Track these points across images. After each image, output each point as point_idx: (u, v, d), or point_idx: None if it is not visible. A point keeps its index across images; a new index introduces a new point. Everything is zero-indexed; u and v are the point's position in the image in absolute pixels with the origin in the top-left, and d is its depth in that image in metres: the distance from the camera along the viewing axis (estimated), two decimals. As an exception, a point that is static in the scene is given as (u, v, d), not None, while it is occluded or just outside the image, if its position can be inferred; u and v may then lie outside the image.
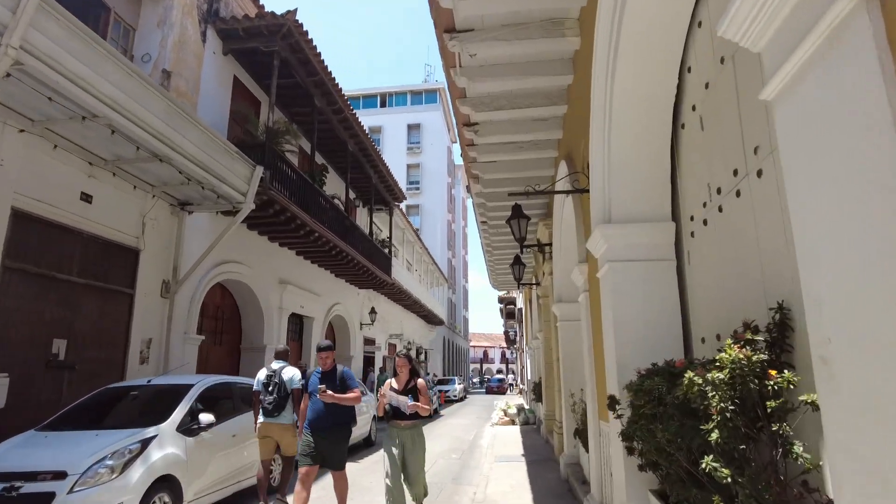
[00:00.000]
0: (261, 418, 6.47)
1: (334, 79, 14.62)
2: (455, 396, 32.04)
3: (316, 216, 14.16)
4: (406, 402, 5.44)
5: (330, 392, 5.62)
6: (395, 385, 5.75)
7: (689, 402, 2.38)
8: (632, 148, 4.23)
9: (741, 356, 2.21)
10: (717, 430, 2.21)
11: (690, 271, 4.00)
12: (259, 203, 11.43)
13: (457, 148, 60.29)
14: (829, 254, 1.39)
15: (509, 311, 41.59)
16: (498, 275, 16.77)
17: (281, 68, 12.84)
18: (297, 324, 16.91)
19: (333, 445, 5.79)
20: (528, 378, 20.41)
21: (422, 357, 35.44)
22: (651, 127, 4.17)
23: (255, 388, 6.70)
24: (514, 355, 44.50)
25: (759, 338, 2.39)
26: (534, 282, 13.58)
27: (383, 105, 50.66)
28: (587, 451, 6.52)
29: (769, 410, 2.18)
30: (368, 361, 23.01)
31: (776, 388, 2.20)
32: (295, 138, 13.71)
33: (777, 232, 2.64)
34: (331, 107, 15.38)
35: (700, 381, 2.24)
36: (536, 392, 14.60)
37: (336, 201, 16.95)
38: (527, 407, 18.59)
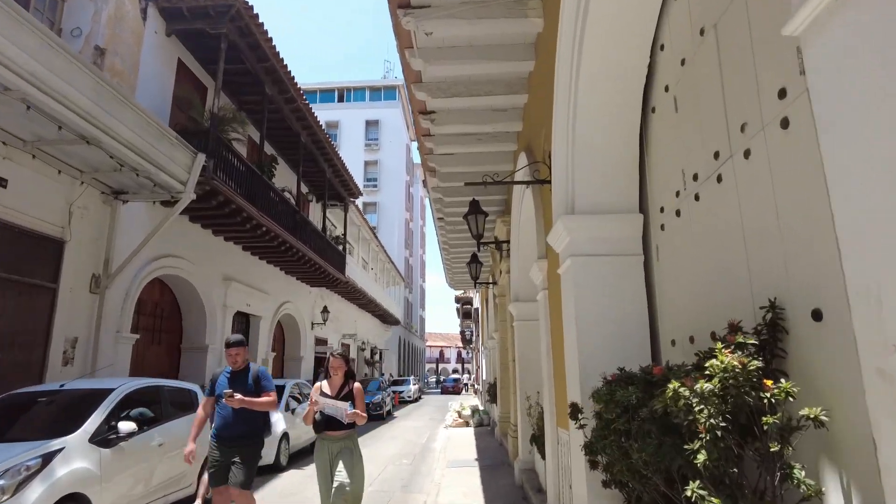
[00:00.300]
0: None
1: (286, 66, 13.97)
2: (409, 397, 31.56)
3: (264, 209, 13.49)
4: (345, 410, 4.66)
5: (239, 396, 4.84)
6: (326, 389, 4.95)
7: (669, 416, 2.02)
8: (599, 133, 3.88)
9: (735, 363, 1.85)
10: (704, 451, 1.85)
11: (659, 267, 3.67)
12: (201, 193, 10.73)
13: (416, 146, 59.91)
14: (891, 231, 1.03)
15: (466, 311, 41.35)
16: (455, 273, 16.42)
17: (229, 52, 12.15)
18: (244, 323, 16.14)
19: (241, 459, 4.91)
20: (484, 379, 20.12)
21: (376, 357, 34.81)
22: (620, 110, 3.83)
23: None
24: (470, 355, 44.33)
25: (752, 341, 2.05)
26: (490, 281, 13.27)
27: (341, 100, 49.71)
28: (543, 458, 6.19)
29: (765, 427, 1.83)
30: (320, 362, 22.31)
31: (773, 400, 1.86)
32: (242, 126, 13.01)
33: (768, 220, 2.31)
34: (282, 95, 14.70)
35: (688, 393, 1.87)
36: (491, 393, 14.30)
37: (287, 195, 16.28)
38: (481, 408, 18.29)
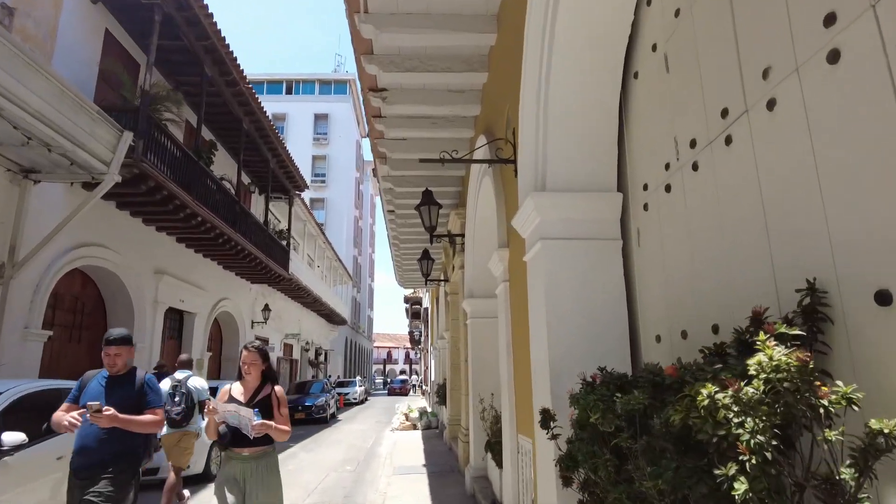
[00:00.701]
0: (165, 429, 6.20)
1: (228, 45, 13.08)
2: (355, 399, 30.72)
3: (200, 198, 12.56)
4: (250, 419, 3.45)
5: (111, 411, 3.50)
6: (238, 393, 3.80)
7: (691, 430, 1.53)
8: (574, 101, 3.40)
9: (789, 360, 1.37)
10: (744, 479, 1.36)
11: (640, 253, 3.19)
12: (129, 177, 9.81)
13: (367, 143, 58.48)
14: None
15: (415, 312, 40.75)
16: (405, 271, 15.84)
17: (164, 26, 11.21)
18: (177, 320, 15.08)
19: (106, 491, 3.54)
20: (433, 380, 19.59)
21: (321, 358, 33.79)
22: (599, 76, 3.35)
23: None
24: (419, 356, 43.76)
25: (795, 331, 1.57)
26: (442, 278, 12.75)
27: (289, 92, 48.22)
28: (500, 466, 5.70)
29: (825, 445, 1.37)
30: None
31: (830, 409, 1.39)
32: (178, 107, 12.05)
33: (802, 180, 1.85)
34: (223, 77, 13.78)
35: (728, 399, 1.38)
36: (440, 395, 13.79)
37: (226, 184, 15.33)
38: (430, 410, 17.76)
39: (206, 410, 3.64)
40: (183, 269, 14.53)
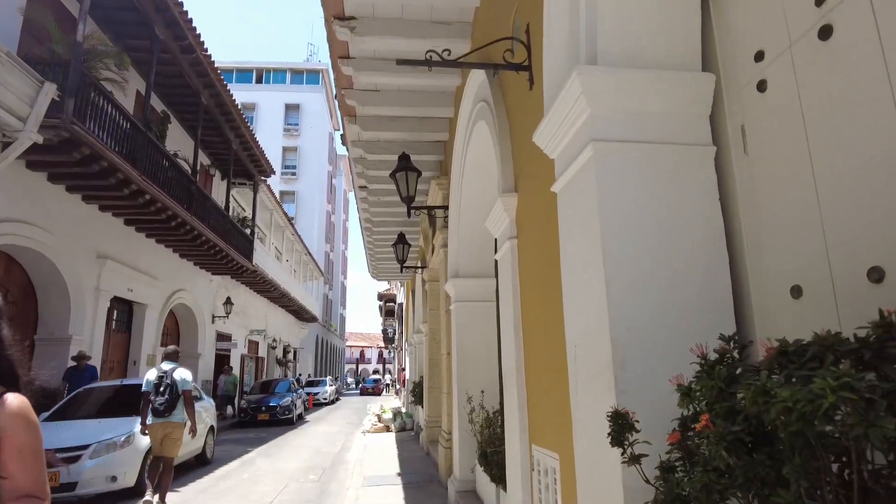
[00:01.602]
0: (150, 419, 6.35)
1: (182, 4, 11.69)
2: (325, 399, 29.30)
3: (149, 174, 11.15)
4: None
5: None
6: None
7: None
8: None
9: None
10: None
11: (748, 165, 2.08)
12: (56, 141, 8.42)
13: (340, 137, 57.05)
14: None
15: (388, 309, 39.50)
16: (378, 260, 14.57)
17: (104, -26, 9.81)
18: (125, 311, 13.60)
19: None
20: (408, 378, 18.34)
21: (290, 357, 32.26)
22: None
23: (143, 388, 6.52)
24: (392, 355, 42.44)
25: None
26: (419, 266, 11.54)
27: (259, 81, 46.57)
28: (497, 483, 4.52)
29: None
30: (222, 360, 19.79)
31: None
32: (120, 65, 10.57)
33: None
34: (178, 42, 12.36)
35: None
36: (416, 394, 12.57)
37: (182, 163, 13.88)
38: (404, 410, 16.51)
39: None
40: (131, 254, 13.06)
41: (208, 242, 14.79)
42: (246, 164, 18.47)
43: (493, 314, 5.75)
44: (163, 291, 14.86)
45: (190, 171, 13.84)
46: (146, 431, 6.38)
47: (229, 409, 18.68)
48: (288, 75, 47.35)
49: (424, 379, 10.30)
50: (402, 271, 10.65)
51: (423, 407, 11.01)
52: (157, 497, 6.23)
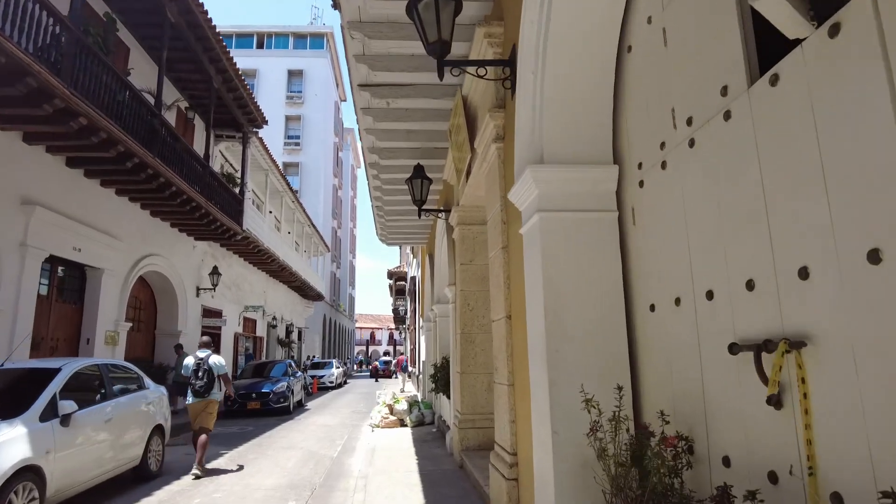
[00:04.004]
0: (190, 398, 7.33)
1: None
2: (331, 383, 26.79)
3: (85, 92, 8.45)
4: None
5: None
6: None
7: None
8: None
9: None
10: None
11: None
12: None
13: (346, 108, 53.84)
14: None
15: (399, 288, 37.00)
16: (388, 213, 11.71)
17: None
18: (76, 278, 10.99)
19: None
20: (422, 359, 15.61)
21: (293, 337, 29.76)
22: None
23: (183, 373, 7.58)
24: (404, 336, 39.79)
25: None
26: (440, 209, 8.75)
27: (260, 46, 43.84)
28: None
29: None
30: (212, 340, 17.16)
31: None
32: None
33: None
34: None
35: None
36: (438, 380, 9.84)
37: (146, 96, 11.17)
38: (420, 398, 13.86)
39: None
40: (79, 205, 10.41)
41: (182, 196, 12.12)
42: (233, 111, 15.71)
43: (615, 236, 3.00)
44: (128, 255, 12.24)
45: (154, 103, 11.10)
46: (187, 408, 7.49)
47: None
48: (290, 40, 44.53)
49: (453, 361, 7.61)
50: (419, 216, 7.89)
51: (448, 398, 8.33)
52: (196, 463, 7.03)
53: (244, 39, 43.50)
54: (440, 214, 8.38)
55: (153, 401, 6.97)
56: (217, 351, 16.68)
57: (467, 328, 6.72)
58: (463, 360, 6.70)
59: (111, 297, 11.61)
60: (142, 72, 12.16)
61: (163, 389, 7.56)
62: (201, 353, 7.48)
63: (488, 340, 6.73)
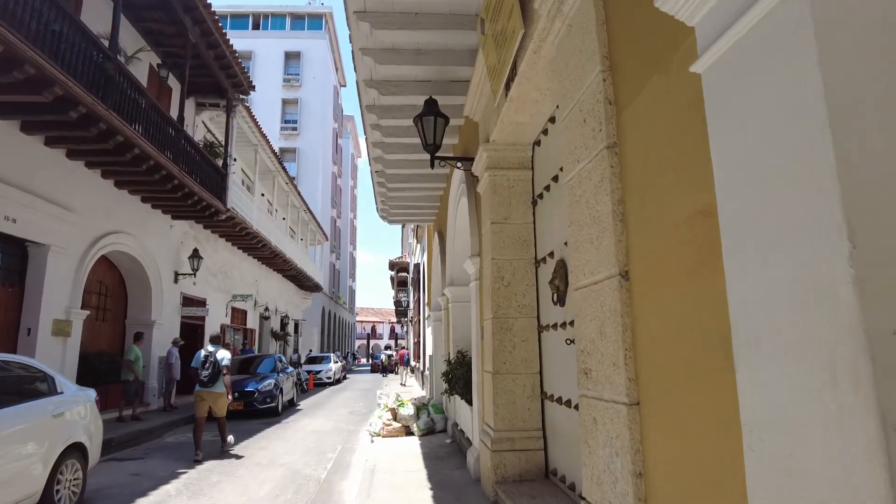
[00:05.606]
0: (197, 387, 8.09)
1: None
2: (329, 379, 24.95)
3: (31, 37, 6.61)
4: None
5: None
6: None
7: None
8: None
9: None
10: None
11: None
12: None
13: (346, 92, 51.81)
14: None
15: (401, 279, 35.25)
16: (390, 181, 9.79)
17: None
18: (14, 256, 9.13)
19: None
20: (429, 354, 13.71)
21: (289, 329, 27.93)
22: None
23: (193, 364, 8.42)
24: (406, 330, 37.90)
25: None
26: (459, 159, 6.84)
27: (256, 27, 41.96)
28: None
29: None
30: (190, 331, 15.36)
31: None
32: None
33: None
34: None
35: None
36: (453, 379, 7.88)
37: (103, 42, 9.29)
38: (427, 398, 11.99)
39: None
40: (14, 166, 8.55)
41: (149, 161, 10.27)
42: (214, 72, 13.82)
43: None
44: (84, 230, 10.38)
45: (108, 46, 9.22)
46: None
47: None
48: (288, 20, 42.65)
49: (476, 357, 5.73)
50: (432, 165, 6.01)
51: (469, 403, 6.48)
52: (221, 442, 8.33)
53: (239, 20, 41.66)
54: (459, 164, 6.47)
55: (70, 410, 5.05)
56: (200, 344, 14.90)
57: (502, 310, 4.84)
58: (497, 354, 4.81)
59: (61, 280, 9.75)
60: (99, 14, 10.28)
61: (90, 393, 5.62)
62: (211, 347, 8.20)
63: (531, 328, 4.86)
